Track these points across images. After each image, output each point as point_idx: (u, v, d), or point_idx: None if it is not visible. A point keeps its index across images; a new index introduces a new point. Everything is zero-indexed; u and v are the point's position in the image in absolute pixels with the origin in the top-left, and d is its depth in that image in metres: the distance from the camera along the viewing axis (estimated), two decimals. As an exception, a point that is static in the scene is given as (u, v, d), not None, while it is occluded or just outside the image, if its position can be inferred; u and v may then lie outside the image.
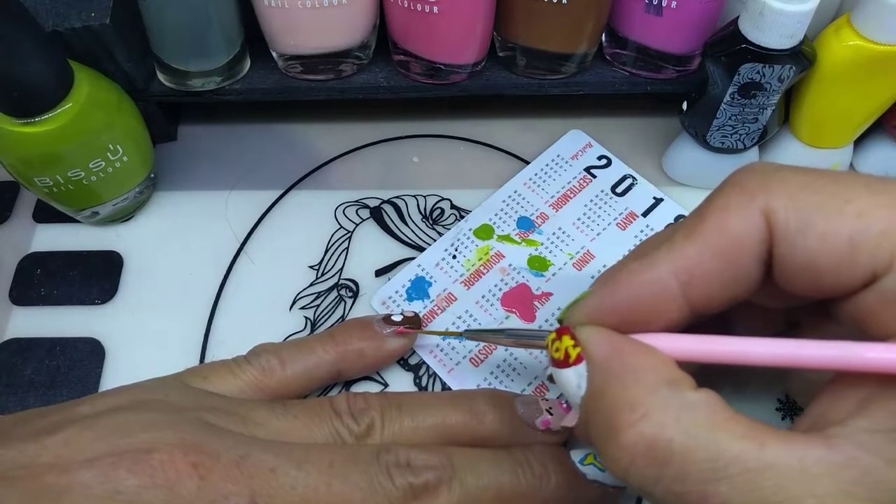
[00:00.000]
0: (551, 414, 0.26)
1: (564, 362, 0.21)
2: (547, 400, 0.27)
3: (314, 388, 0.29)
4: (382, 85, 0.35)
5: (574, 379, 0.20)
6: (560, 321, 0.23)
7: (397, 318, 0.29)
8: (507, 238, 0.34)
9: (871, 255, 0.18)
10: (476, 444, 0.26)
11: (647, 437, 0.18)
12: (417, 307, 0.32)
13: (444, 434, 0.26)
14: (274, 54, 0.35)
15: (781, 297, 0.21)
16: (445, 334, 0.30)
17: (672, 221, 0.34)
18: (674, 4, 0.31)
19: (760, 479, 0.16)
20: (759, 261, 0.19)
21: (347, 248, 0.34)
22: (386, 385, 0.30)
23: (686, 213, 0.34)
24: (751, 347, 0.19)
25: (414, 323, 0.29)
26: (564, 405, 0.26)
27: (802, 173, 0.19)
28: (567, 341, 0.21)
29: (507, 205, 0.35)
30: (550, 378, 0.23)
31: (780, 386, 0.29)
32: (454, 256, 0.33)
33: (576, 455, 0.23)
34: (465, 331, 0.28)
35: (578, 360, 0.20)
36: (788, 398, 0.30)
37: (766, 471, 0.16)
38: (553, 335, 0.22)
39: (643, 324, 0.21)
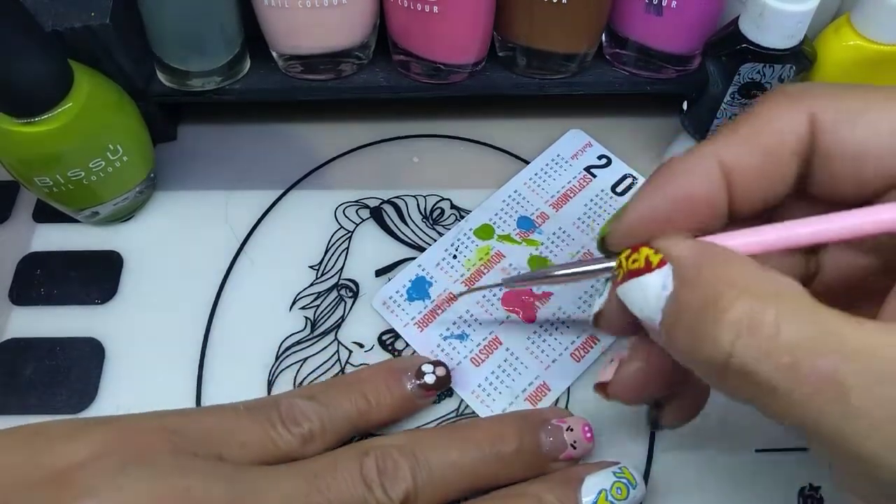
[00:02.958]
0: (574, 448, 0.27)
1: (646, 268, 0.20)
2: (571, 430, 0.27)
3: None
4: (382, 85, 0.35)
5: (658, 280, 0.19)
6: (601, 241, 0.22)
7: (430, 380, 0.28)
8: (507, 238, 0.34)
9: None
10: (501, 475, 0.26)
11: (753, 310, 0.17)
12: (418, 307, 0.32)
13: (472, 479, 0.26)
14: (274, 54, 0.35)
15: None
16: (484, 288, 0.30)
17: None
18: (674, 4, 0.31)
19: (872, 349, 0.16)
20: (800, 159, 0.20)
21: (347, 248, 0.34)
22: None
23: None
24: (814, 226, 0.19)
25: (444, 384, 0.29)
26: (588, 433, 0.27)
27: (843, 85, 0.20)
28: (646, 251, 0.20)
29: (508, 205, 0.35)
30: (596, 319, 0.23)
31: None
32: (454, 256, 0.33)
33: (587, 496, 0.24)
34: (504, 279, 0.27)
35: (661, 264, 0.19)
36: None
37: (876, 343, 0.16)
38: (627, 251, 0.21)
39: (689, 224, 0.20)
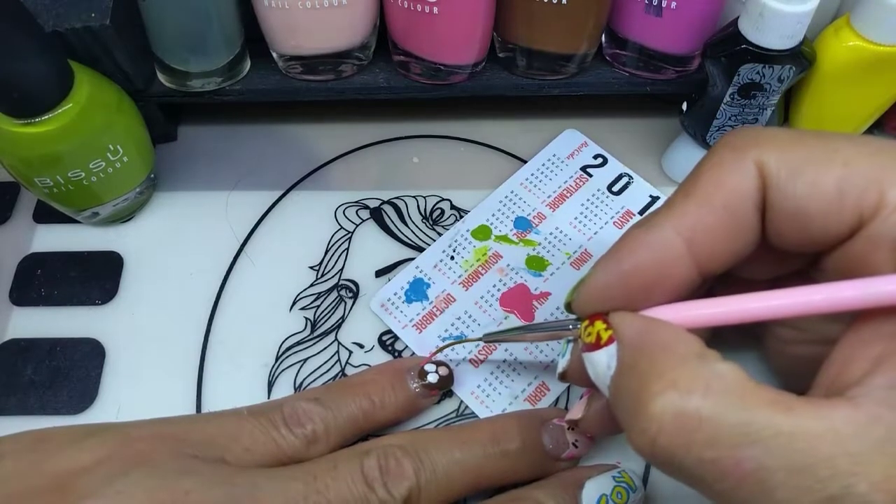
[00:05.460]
0: (577, 447, 0.27)
1: (595, 345, 0.21)
2: (572, 431, 0.27)
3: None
4: (382, 85, 0.35)
5: (604, 359, 0.20)
6: (568, 304, 0.23)
7: (433, 379, 0.29)
8: (504, 238, 0.34)
9: (857, 200, 0.18)
10: (504, 474, 0.26)
11: (675, 404, 0.17)
12: (416, 309, 0.32)
13: (476, 478, 0.26)
14: (274, 55, 0.35)
15: (771, 262, 0.21)
16: (465, 342, 0.30)
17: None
18: (674, 5, 0.31)
19: (793, 441, 0.16)
20: (757, 209, 0.20)
21: (347, 248, 0.34)
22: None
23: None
24: (766, 301, 0.19)
25: (447, 384, 0.29)
26: (588, 435, 0.27)
27: (789, 131, 0.20)
28: (599, 325, 0.21)
29: (504, 205, 0.35)
30: (562, 377, 0.24)
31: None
32: (452, 258, 0.33)
33: (588, 502, 0.24)
34: (485, 335, 0.28)
35: (609, 341, 0.20)
36: None
37: (798, 433, 0.16)
38: (586, 322, 0.22)
39: (653, 291, 0.21)
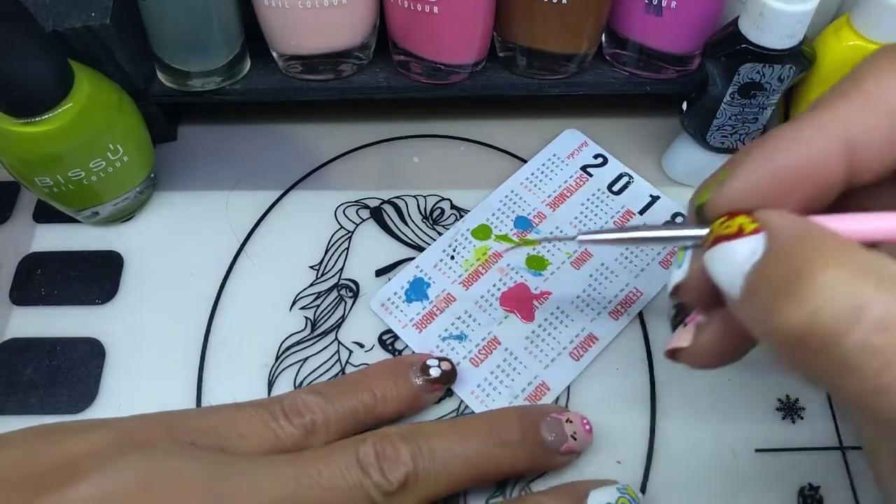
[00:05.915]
0: (575, 439, 0.27)
1: (737, 234, 0.18)
2: (571, 422, 0.27)
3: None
4: (382, 85, 0.35)
5: (747, 247, 0.18)
6: (700, 207, 0.21)
7: (435, 373, 0.29)
8: (504, 238, 0.34)
9: None
10: (504, 466, 0.26)
11: (849, 279, 0.15)
12: (416, 308, 0.32)
13: (474, 469, 0.26)
14: (274, 54, 0.35)
15: None
16: (559, 239, 0.29)
17: (669, 219, 0.34)
18: (674, 4, 0.31)
19: None
20: None
21: (348, 248, 0.34)
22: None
23: (684, 211, 0.34)
24: None
25: (450, 378, 0.29)
26: (586, 426, 0.27)
27: None
28: (741, 219, 0.19)
29: (505, 205, 0.35)
30: (675, 290, 0.21)
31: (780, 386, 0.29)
32: (452, 257, 0.33)
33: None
34: (580, 233, 0.23)
35: (755, 231, 0.18)
36: (789, 398, 0.30)
37: None
38: (723, 218, 0.19)
39: (799, 193, 0.19)
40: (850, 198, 0.20)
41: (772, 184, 0.19)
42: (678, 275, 0.21)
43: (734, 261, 0.18)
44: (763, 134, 0.21)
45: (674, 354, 0.23)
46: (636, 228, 0.22)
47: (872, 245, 0.18)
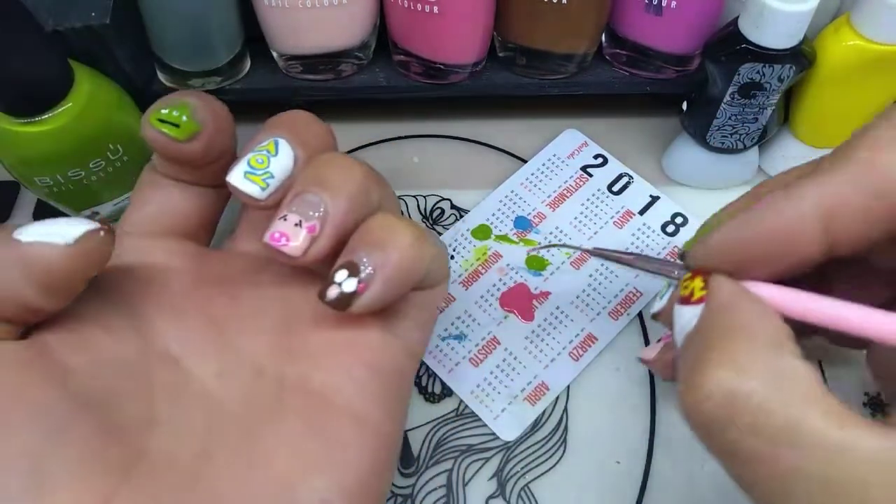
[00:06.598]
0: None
1: (687, 300, 0.21)
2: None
3: None
4: (382, 85, 0.35)
5: (688, 316, 0.20)
6: (685, 252, 0.22)
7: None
8: (504, 238, 0.34)
9: None
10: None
11: (731, 381, 0.17)
12: (417, 307, 0.32)
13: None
14: (274, 54, 0.35)
15: None
16: (566, 246, 0.31)
17: (669, 219, 0.34)
18: (674, 4, 0.31)
19: (837, 457, 0.16)
20: None
21: (347, 247, 0.34)
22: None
23: (684, 212, 0.34)
24: (875, 318, 0.18)
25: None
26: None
27: None
28: (697, 283, 0.20)
29: (504, 205, 0.35)
30: (656, 316, 0.25)
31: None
32: (452, 257, 0.33)
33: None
34: (594, 248, 0.27)
35: (699, 301, 0.20)
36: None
37: (844, 450, 0.16)
38: (689, 274, 0.21)
39: (770, 261, 0.20)
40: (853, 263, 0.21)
41: (742, 249, 0.20)
42: (658, 305, 0.24)
43: (679, 322, 0.21)
44: (740, 197, 0.24)
45: (644, 362, 0.28)
46: (638, 257, 0.26)
47: (816, 330, 0.20)
